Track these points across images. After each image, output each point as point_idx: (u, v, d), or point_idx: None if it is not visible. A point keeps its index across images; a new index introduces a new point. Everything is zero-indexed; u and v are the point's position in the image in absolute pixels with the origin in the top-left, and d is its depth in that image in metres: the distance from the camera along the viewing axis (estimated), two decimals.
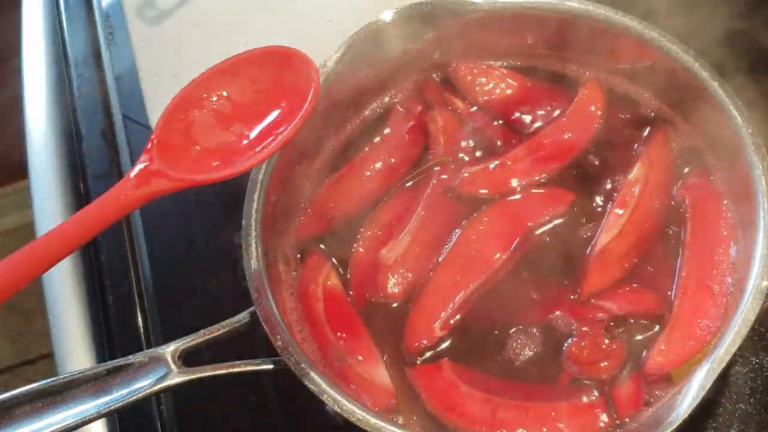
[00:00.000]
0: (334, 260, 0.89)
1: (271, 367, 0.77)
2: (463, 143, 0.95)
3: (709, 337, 0.77)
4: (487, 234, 0.88)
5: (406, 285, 0.87)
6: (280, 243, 0.90)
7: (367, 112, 0.98)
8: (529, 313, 0.84)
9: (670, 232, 0.86)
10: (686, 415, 0.69)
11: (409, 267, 0.87)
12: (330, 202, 0.93)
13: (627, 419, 0.77)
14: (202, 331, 0.78)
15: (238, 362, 0.77)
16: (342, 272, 0.88)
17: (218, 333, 0.79)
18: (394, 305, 0.86)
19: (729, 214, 0.85)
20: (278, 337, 0.76)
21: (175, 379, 0.74)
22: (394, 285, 0.87)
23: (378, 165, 0.95)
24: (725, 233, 0.84)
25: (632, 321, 0.82)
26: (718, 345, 0.72)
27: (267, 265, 0.83)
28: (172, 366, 0.75)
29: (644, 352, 0.80)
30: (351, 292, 0.88)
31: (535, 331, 0.82)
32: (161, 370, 0.74)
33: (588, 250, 0.86)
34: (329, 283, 0.88)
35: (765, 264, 0.75)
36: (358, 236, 0.90)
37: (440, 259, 0.87)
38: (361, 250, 0.89)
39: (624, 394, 0.79)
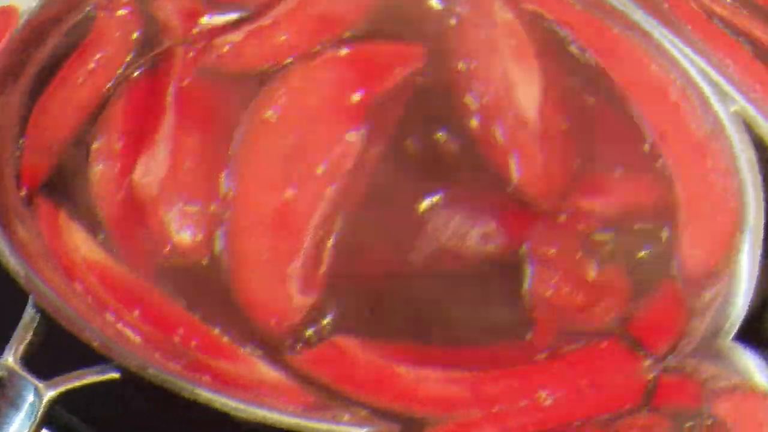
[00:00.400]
0: (73, 209, 0.59)
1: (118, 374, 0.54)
2: (205, 19, 0.68)
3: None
4: (307, 115, 0.59)
5: (202, 224, 0.56)
6: (8, 199, 0.59)
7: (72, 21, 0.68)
8: (440, 233, 0.53)
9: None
10: (746, 310, 0.52)
11: (190, 192, 0.57)
12: (44, 129, 0.63)
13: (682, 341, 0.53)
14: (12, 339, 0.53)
15: (83, 371, 0.53)
16: (93, 224, 0.58)
17: (29, 338, 0.54)
18: (204, 262, 0.55)
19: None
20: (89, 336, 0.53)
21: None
22: (179, 228, 0.56)
23: (89, 67, 0.66)
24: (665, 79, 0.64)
25: (628, 225, 0.55)
26: (742, 214, 0.56)
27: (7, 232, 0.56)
28: (33, 381, 0.51)
29: (675, 258, 0.56)
30: (121, 252, 0.56)
31: (466, 267, 0.52)
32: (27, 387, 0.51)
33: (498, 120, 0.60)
34: (79, 244, 0.57)
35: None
36: (91, 159, 0.60)
37: (243, 174, 0.57)
38: (102, 180, 0.59)
39: (652, 323, 0.54)
